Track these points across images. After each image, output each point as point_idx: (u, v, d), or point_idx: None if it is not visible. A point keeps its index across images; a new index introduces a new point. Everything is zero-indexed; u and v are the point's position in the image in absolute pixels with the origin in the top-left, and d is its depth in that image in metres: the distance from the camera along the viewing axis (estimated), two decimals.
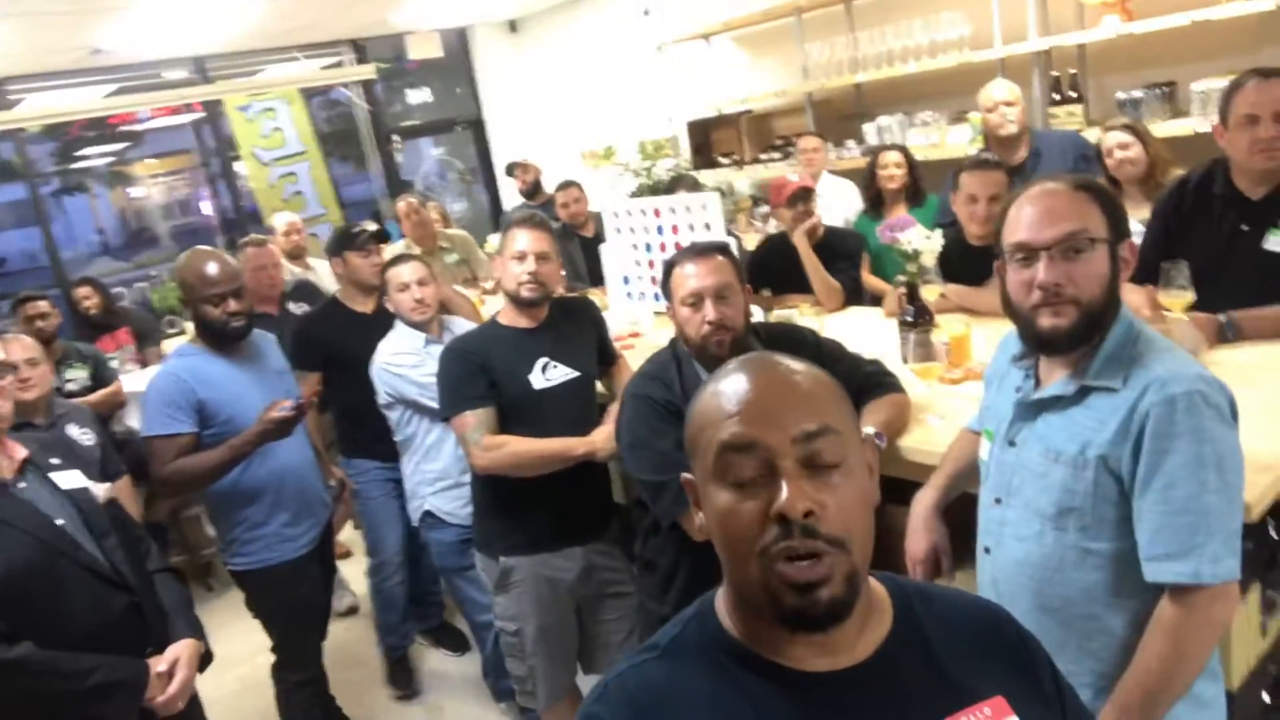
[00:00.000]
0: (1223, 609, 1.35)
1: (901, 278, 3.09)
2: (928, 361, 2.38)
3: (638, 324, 3.39)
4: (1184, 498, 1.33)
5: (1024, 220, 1.46)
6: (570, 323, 2.59)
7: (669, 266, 2.13)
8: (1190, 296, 2.44)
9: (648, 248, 3.36)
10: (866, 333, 2.79)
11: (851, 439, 0.89)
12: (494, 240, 4.03)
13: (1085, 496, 1.42)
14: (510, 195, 7.05)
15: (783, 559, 0.83)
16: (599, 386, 2.66)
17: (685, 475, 0.98)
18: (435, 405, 2.76)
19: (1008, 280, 1.50)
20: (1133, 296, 2.31)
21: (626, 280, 3.50)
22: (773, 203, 3.41)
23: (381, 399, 2.95)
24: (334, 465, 3.26)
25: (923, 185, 4.14)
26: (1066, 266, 1.41)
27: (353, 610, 4.05)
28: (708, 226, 3.09)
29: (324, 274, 4.30)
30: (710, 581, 2.02)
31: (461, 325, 3.03)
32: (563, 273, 2.85)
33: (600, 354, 2.67)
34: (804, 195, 3.33)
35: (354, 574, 4.02)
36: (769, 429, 0.85)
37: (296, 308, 3.77)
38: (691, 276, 2.04)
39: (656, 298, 3.41)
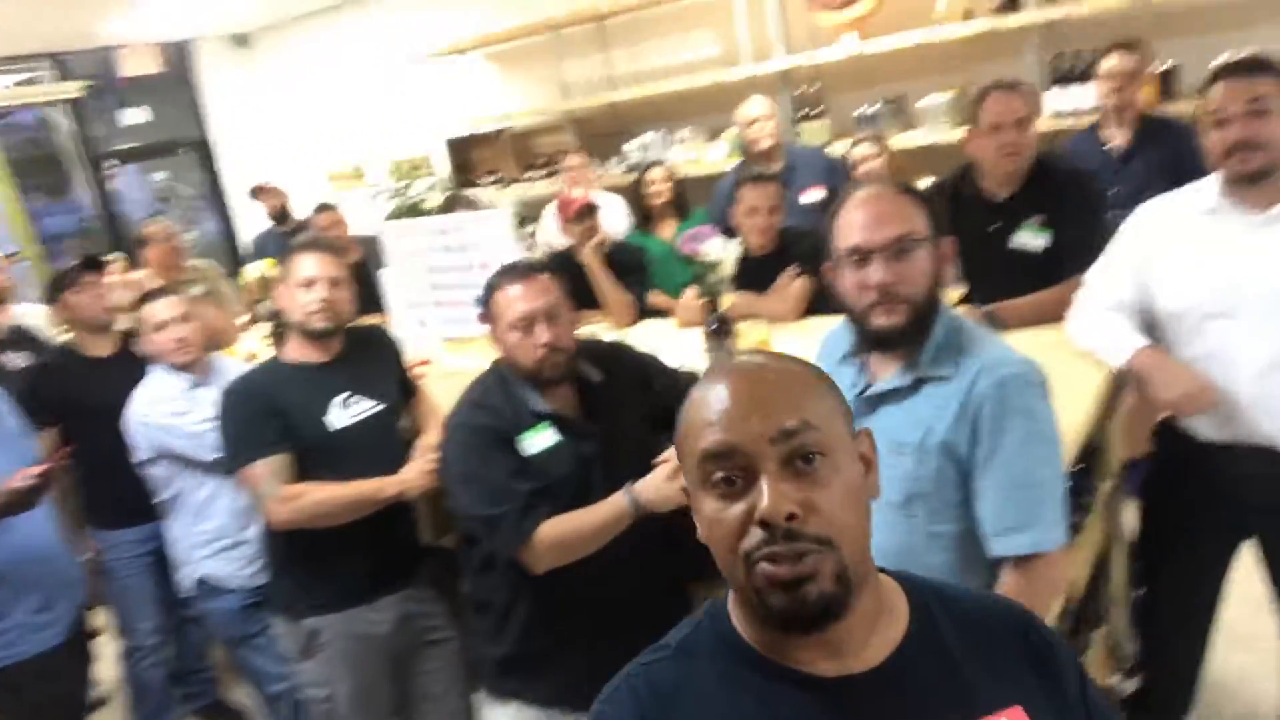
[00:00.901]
0: (1060, 571, 1.47)
1: (691, 289, 3.17)
2: None
3: (427, 352, 3.22)
4: (1020, 473, 1.43)
5: (856, 224, 1.51)
6: (367, 353, 2.40)
7: (490, 289, 2.03)
8: (958, 291, 2.67)
9: (435, 270, 3.20)
10: (667, 345, 2.80)
11: (837, 431, 0.88)
12: (252, 269, 3.68)
13: (930, 482, 1.49)
14: (248, 223, 6.53)
15: (766, 561, 0.82)
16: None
17: (681, 484, 0.96)
18: (209, 456, 2.48)
19: (842, 281, 1.55)
20: None
21: (412, 306, 3.31)
22: (561, 220, 3.37)
23: (140, 455, 2.60)
24: (83, 535, 2.83)
25: (687, 200, 4.28)
26: (898, 266, 1.48)
27: (100, 704, 3.51)
28: (499, 245, 2.99)
29: (37, 317, 3.73)
30: (549, 617, 1.95)
31: (233, 364, 2.73)
32: None
33: (400, 386, 2.49)
34: (589, 211, 3.31)
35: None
36: (746, 432, 0.84)
37: (17, 358, 3.24)
38: (519, 299, 1.95)
39: (447, 322, 3.26)
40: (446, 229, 3.13)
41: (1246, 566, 2.07)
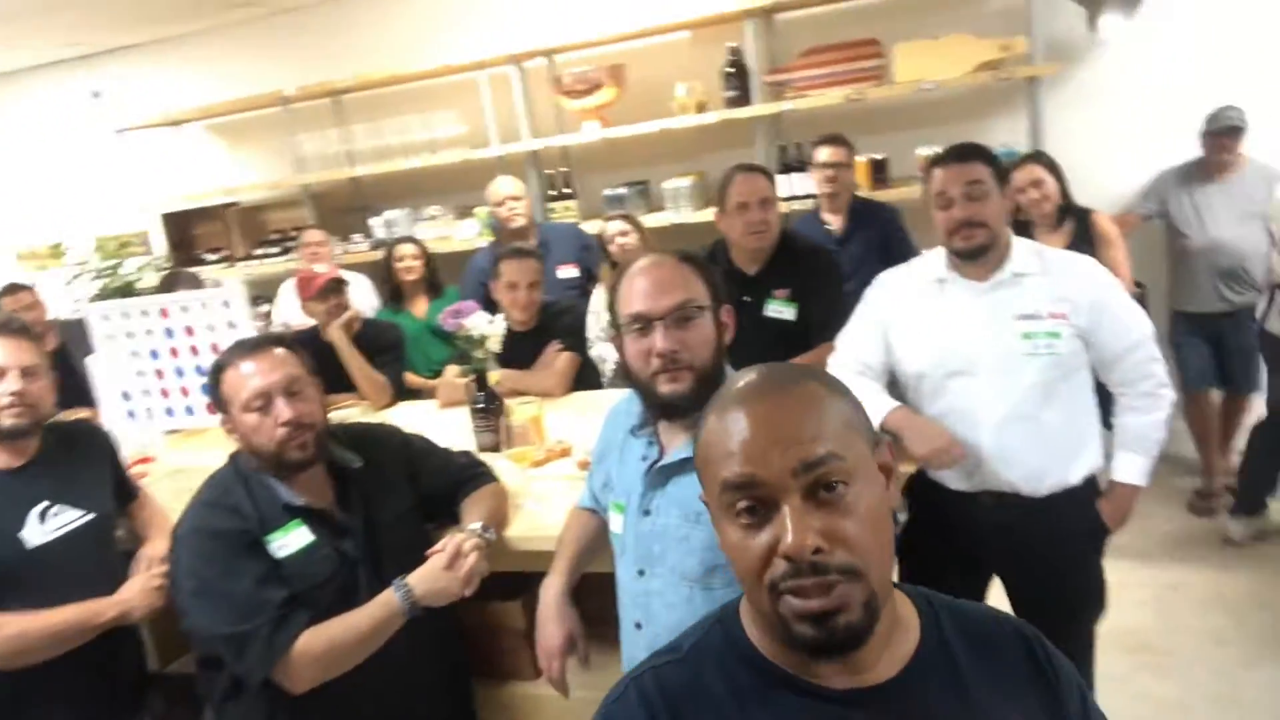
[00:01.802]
0: None
1: (451, 367, 3.04)
2: (505, 448, 2.32)
3: (147, 448, 2.83)
4: None
5: (637, 292, 1.49)
6: (72, 453, 2.06)
7: (218, 370, 1.80)
8: None
9: (154, 355, 2.83)
10: (429, 427, 2.65)
11: (859, 453, 0.86)
12: None
13: None
14: None
15: (792, 594, 0.81)
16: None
17: (700, 497, 0.93)
18: None
19: (626, 350, 1.52)
20: None
21: (127, 397, 2.91)
22: (302, 297, 3.12)
23: None
24: None
25: (439, 277, 4.17)
26: (680, 334, 1.47)
27: None
28: (232, 325, 2.70)
29: None
30: None
31: None
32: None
33: (117, 489, 2.14)
34: (335, 287, 3.10)
35: None
36: (768, 465, 0.83)
37: None
38: (252, 375, 1.75)
39: (170, 413, 2.89)
40: (167, 308, 2.79)
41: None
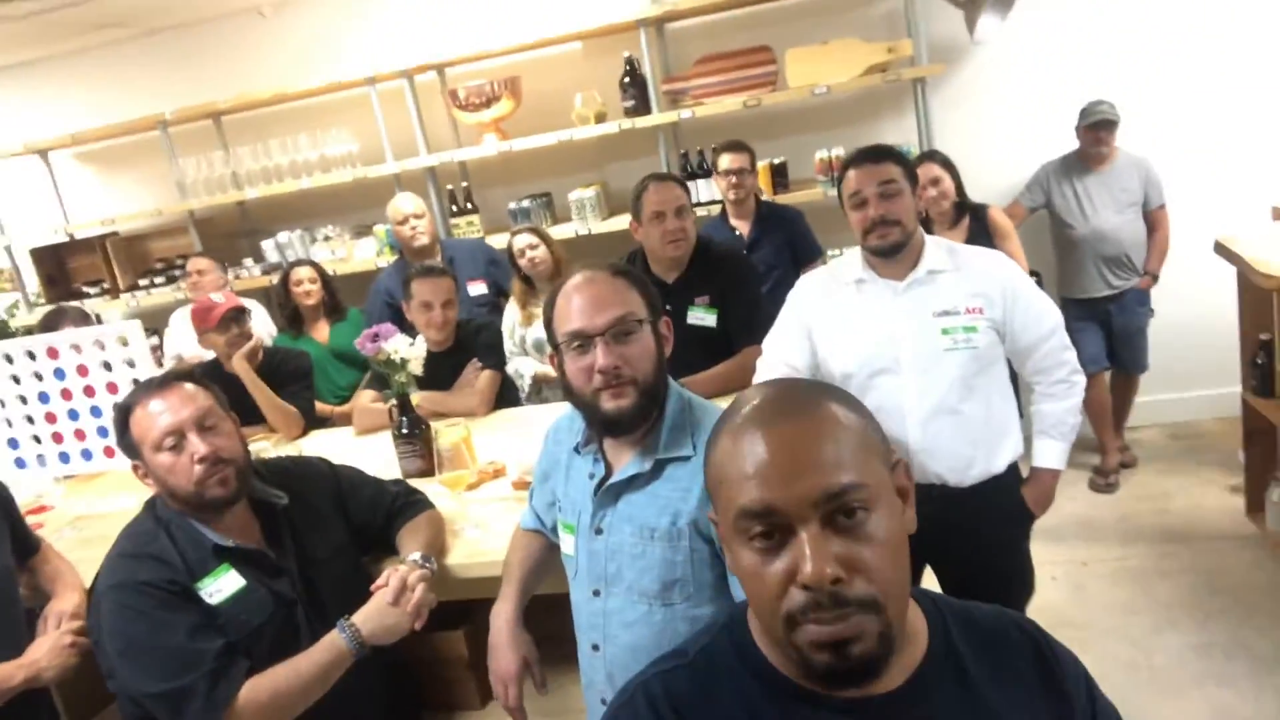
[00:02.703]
0: None
1: (365, 392, 2.95)
2: (438, 472, 2.26)
3: (42, 496, 2.65)
4: None
5: (574, 309, 1.47)
6: None
7: (124, 412, 1.71)
8: None
9: (44, 398, 2.65)
10: (347, 455, 2.56)
11: (878, 478, 0.83)
12: None
13: (685, 566, 1.45)
14: None
15: (809, 622, 0.79)
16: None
17: (710, 515, 0.91)
18: None
19: (567, 368, 1.50)
20: None
21: (14, 444, 2.71)
22: (201, 328, 2.98)
23: None
24: None
25: (340, 299, 4.05)
26: (621, 349, 1.46)
27: None
28: (131, 363, 2.55)
29: None
30: None
31: None
32: None
33: (15, 543, 1.99)
34: (237, 316, 2.97)
35: None
36: (787, 493, 0.80)
37: None
38: (161, 413, 1.67)
39: (64, 459, 2.71)
40: (57, 348, 2.62)
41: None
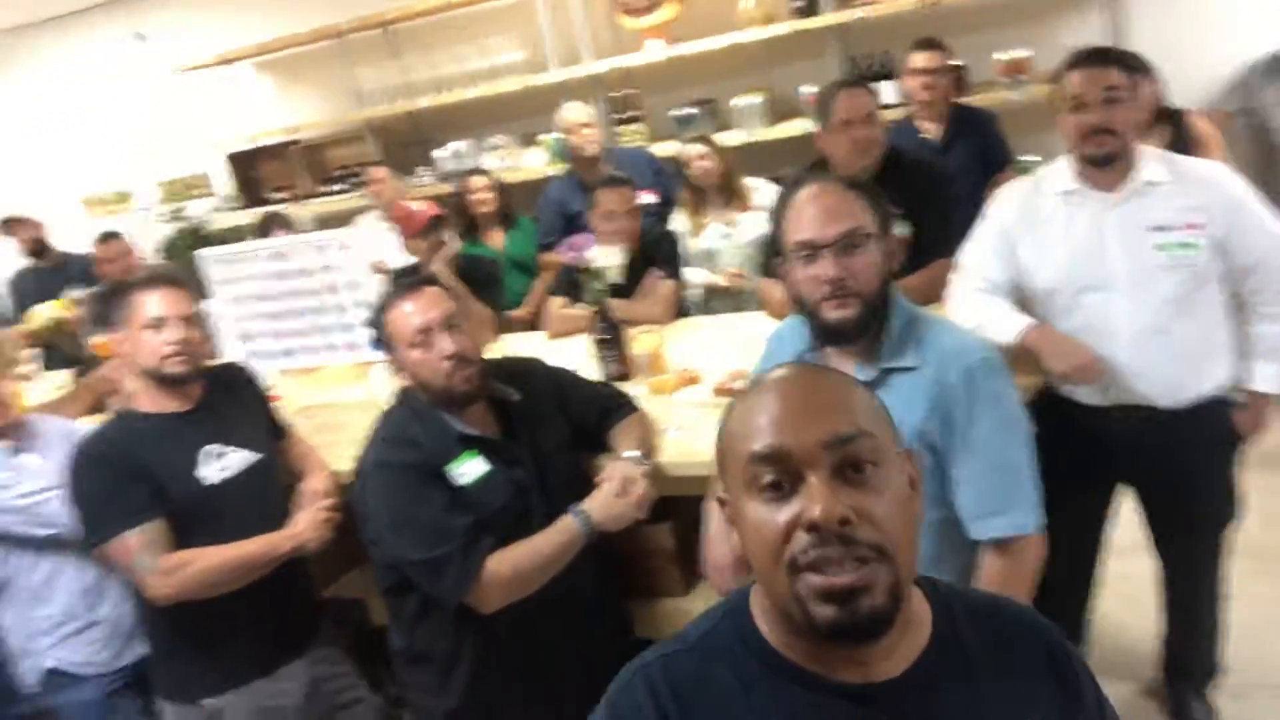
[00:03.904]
0: (1038, 553, 1.55)
1: (556, 298, 3.09)
2: (627, 378, 2.38)
3: (271, 387, 2.92)
4: (996, 457, 1.50)
5: (805, 219, 1.52)
6: (230, 396, 2.15)
7: (380, 311, 1.88)
8: None
9: (270, 298, 2.91)
10: (544, 357, 2.72)
11: (888, 445, 0.85)
12: (42, 311, 3.17)
13: None
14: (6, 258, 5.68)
15: (815, 567, 0.79)
16: None
17: (719, 495, 0.91)
18: (44, 531, 2.15)
19: (793, 276, 1.56)
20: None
21: (247, 338, 3.00)
22: (405, 235, 3.17)
23: None
24: None
25: (512, 208, 4.18)
26: (847, 261, 1.50)
27: None
28: (345, 267, 2.76)
29: None
30: (497, 663, 1.83)
31: (56, 426, 2.35)
32: None
33: (270, 428, 2.24)
34: (436, 224, 3.14)
35: None
36: (798, 436, 0.82)
37: None
38: (414, 314, 1.83)
39: (288, 354, 2.98)
40: (283, 252, 2.86)
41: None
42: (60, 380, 3.15)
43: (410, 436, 1.81)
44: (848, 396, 0.86)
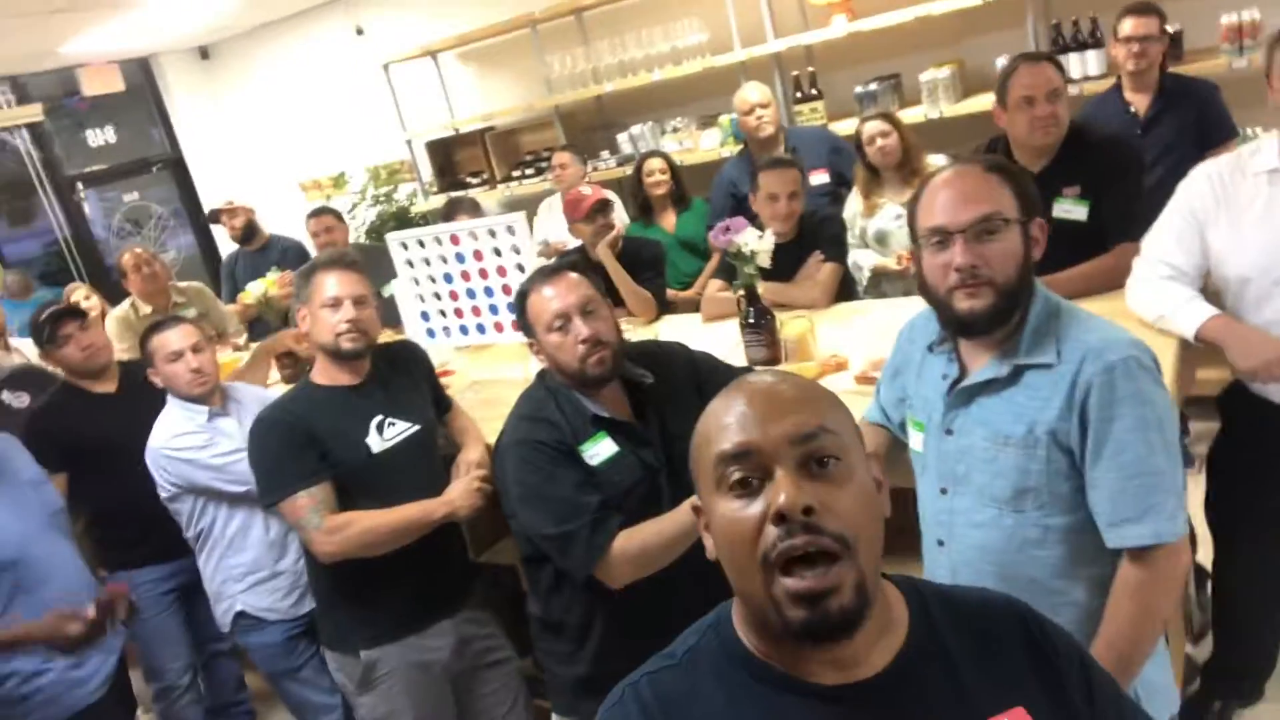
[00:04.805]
0: (1180, 563, 1.41)
1: (713, 281, 3.09)
2: (775, 362, 2.35)
3: (446, 363, 3.12)
4: (1134, 461, 1.37)
5: (938, 204, 1.44)
6: (398, 371, 2.31)
7: (522, 296, 1.95)
8: None
9: (448, 278, 3.09)
10: (697, 341, 2.73)
11: (852, 441, 0.89)
12: (254, 287, 3.54)
13: (1040, 475, 1.42)
14: (225, 238, 6.37)
15: (786, 570, 0.81)
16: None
17: (694, 501, 0.96)
18: (236, 489, 2.40)
19: (923, 264, 1.48)
20: None
21: (426, 316, 3.21)
22: (571, 219, 3.28)
23: (165, 491, 2.49)
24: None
25: (686, 189, 4.20)
26: (981, 248, 1.41)
27: None
28: (516, 250, 2.89)
29: (31, 353, 3.59)
30: (626, 634, 1.87)
31: (251, 392, 2.62)
32: None
33: (434, 402, 2.39)
34: (602, 208, 3.22)
35: None
36: (764, 432, 0.85)
37: (15, 398, 3.10)
38: (553, 298, 1.88)
39: (464, 331, 3.16)
40: (458, 235, 3.02)
41: None
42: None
43: (546, 416, 1.88)
44: (811, 396, 0.90)
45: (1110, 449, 1.38)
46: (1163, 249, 2.02)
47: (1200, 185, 1.98)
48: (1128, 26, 3.16)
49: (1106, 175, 2.43)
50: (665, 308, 3.38)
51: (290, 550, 2.49)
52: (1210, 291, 1.98)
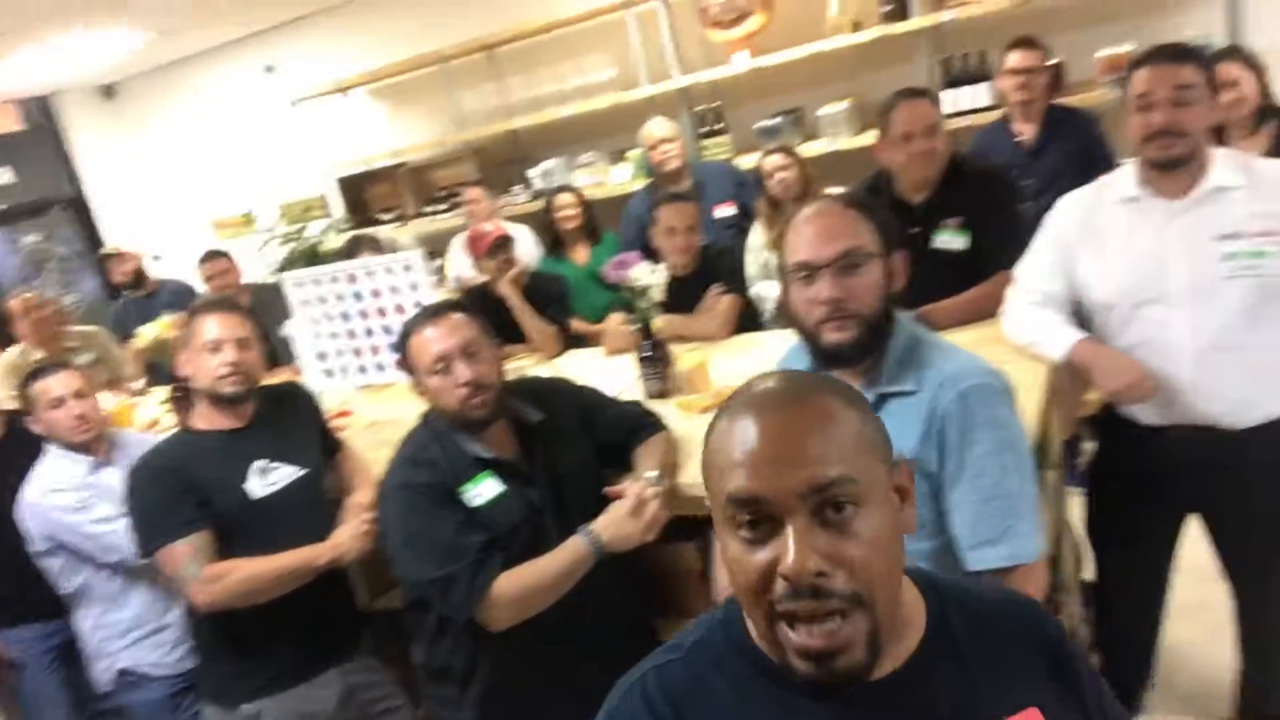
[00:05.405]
0: (1039, 580, 1.45)
1: (616, 314, 3.10)
2: (670, 395, 2.36)
3: (345, 403, 3.06)
4: (992, 484, 1.41)
5: (803, 240, 1.47)
6: (283, 414, 2.25)
7: (404, 336, 1.92)
8: None
9: (345, 317, 3.04)
10: (597, 374, 2.73)
11: (873, 473, 0.82)
12: (148, 330, 3.44)
13: None
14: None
15: (791, 622, 0.78)
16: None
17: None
18: (109, 558, 2.32)
19: (792, 298, 1.51)
20: None
21: (323, 356, 3.15)
22: (473, 255, 3.26)
23: (36, 546, 2.38)
24: None
25: (597, 223, 4.23)
26: (845, 282, 1.44)
27: None
28: (414, 287, 2.86)
29: None
30: (513, 678, 1.84)
31: (136, 438, 2.53)
32: None
33: (322, 444, 2.34)
34: (503, 244, 3.22)
35: None
36: (774, 483, 0.79)
37: None
38: (433, 340, 1.85)
39: (362, 370, 3.11)
40: (355, 274, 2.98)
41: (1188, 540, 2.11)
42: (163, 394, 3.39)
43: (429, 458, 1.85)
44: (830, 433, 0.81)
45: (968, 473, 1.41)
46: (1034, 276, 2.09)
47: (1065, 215, 2.05)
48: (1013, 59, 3.29)
49: (985, 206, 2.51)
50: (571, 342, 3.37)
51: (178, 602, 2.40)
52: (1080, 316, 2.05)
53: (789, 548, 0.78)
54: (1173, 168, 1.84)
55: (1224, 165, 1.85)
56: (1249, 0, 3.45)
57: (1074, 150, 3.25)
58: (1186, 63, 1.82)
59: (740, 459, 0.81)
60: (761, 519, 0.80)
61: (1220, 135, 2.93)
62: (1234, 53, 3.03)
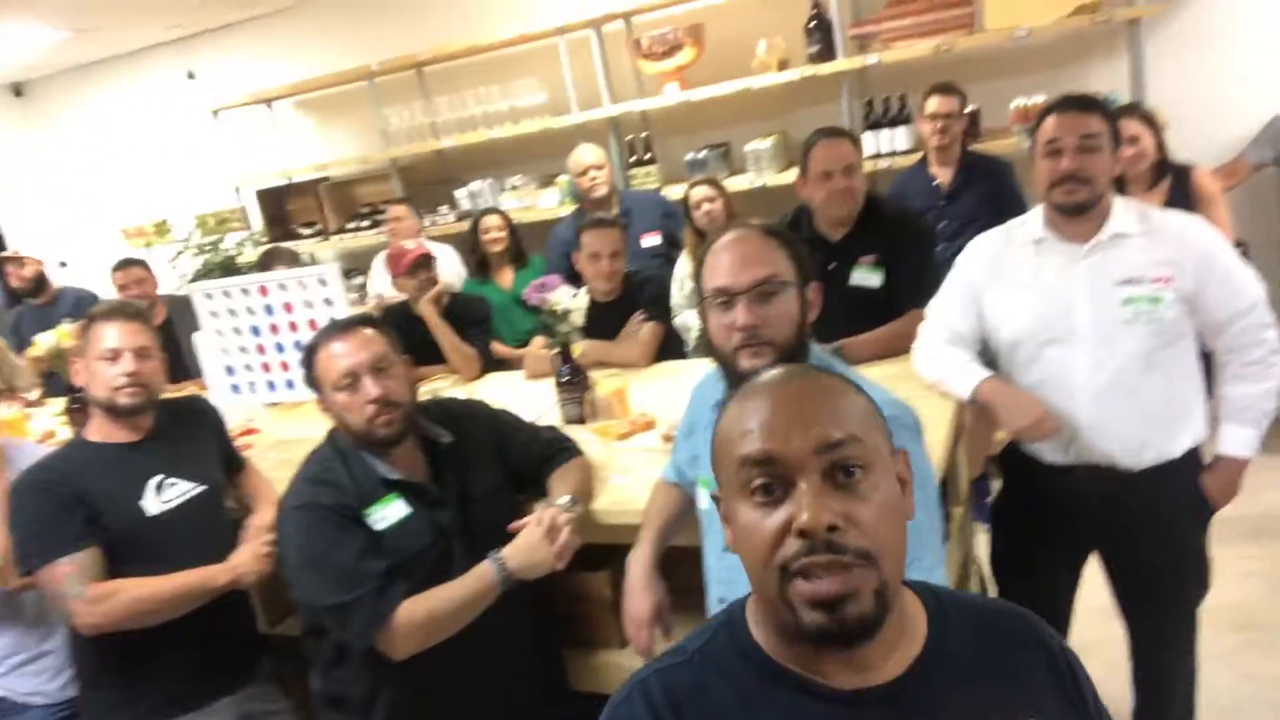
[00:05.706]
0: None
1: (538, 339, 3.08)
2: (589, 421, 2.35)
3: (252, 420, 2.96)
4: None
5: (721, 266, 1.48)
6: (183, 428, 2.16)
7: (310, 352, 1.87)
8: None
9: (255, 331, 2.95)
10: (516, 398, 2.70)
11: (879, 447, 0.86)
12: (45, 339, 3.28)
13: None
14: None
15: (805, 573, 0.80)
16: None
17: (713, 492, 0.93)
18: None
19: (709, 324, 1.52)
20: None
21: (231, 371, 3.04)
22: (393, 273, 3.20)
23: None
24: None
25: (524, 247, 4.21)
26: (762, 309, 1.46)
27: None
28: (329, 302, 2.79)
29: None
30: (415, 709, 1.79)
31: (29, 450, 2.40)
32: None
33: (224, 461, 2.25)
34: (425, 263, 3.17)
35: None
36: (788, 442, 0.83)
37: None
38: (340, 355, 1.80)
39: (271, 387, 3.02)
40: (266, 286, 2.90)
41: (1092, 579, 2.17)
42: (60, 405, 3.24)
43: (332, 478, 1.79)
44: (839, 401, 0.87)
45: None
46: (943, 315, 2.14)
47: (974, 256, 2.12)
48: (932, 104, 3.40)
49: (899, 245, 2.58)
50: (491, 365, 3.33)
51: (60, 626, 2.27)
52: (988, 355, 2.11)
53: (804, 504, 0.80)
54: (1078, 212, 1.92)
55: (1122, 213, 1.93)
56: (1151, 61, 3.63)
57: (988, 194, 3.37)
58: (1093, 112, 1.90)
59: (754, 426, 0.84)
60: (775, 480, 0.82)
61: (1121, 189, 3.08)
62: (1134, 109, 3.19)
